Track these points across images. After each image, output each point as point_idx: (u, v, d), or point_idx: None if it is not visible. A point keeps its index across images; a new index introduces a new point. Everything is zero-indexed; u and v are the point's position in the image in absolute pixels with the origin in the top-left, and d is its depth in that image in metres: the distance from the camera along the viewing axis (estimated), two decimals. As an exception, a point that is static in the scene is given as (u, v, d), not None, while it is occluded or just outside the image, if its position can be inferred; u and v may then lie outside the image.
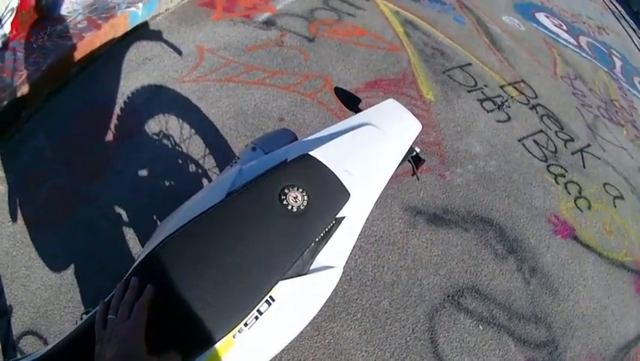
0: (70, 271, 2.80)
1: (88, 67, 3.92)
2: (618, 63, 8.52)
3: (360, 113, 2.09)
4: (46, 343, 2.53)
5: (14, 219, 2.94)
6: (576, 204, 4.59)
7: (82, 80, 3.81)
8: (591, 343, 3.57)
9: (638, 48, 10.13)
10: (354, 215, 1.69)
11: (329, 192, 1.64)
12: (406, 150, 2.10)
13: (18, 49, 3.53)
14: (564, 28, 8.43)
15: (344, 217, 1.63)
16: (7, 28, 3.49)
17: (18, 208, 2.98)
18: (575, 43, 8.08)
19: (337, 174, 1.67)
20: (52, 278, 2.74)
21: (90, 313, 1.36)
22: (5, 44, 3.51)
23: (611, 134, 6.05)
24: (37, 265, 2.77)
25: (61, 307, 2.65)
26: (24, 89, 3.35)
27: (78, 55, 3.82)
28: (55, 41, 3.71)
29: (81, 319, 1.44)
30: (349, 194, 1.65)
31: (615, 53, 8.87)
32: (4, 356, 2.46)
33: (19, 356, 1.91)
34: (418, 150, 2.26)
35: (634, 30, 11.10)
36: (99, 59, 4.02)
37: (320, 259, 1.54)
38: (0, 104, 3.20)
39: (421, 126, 2.21)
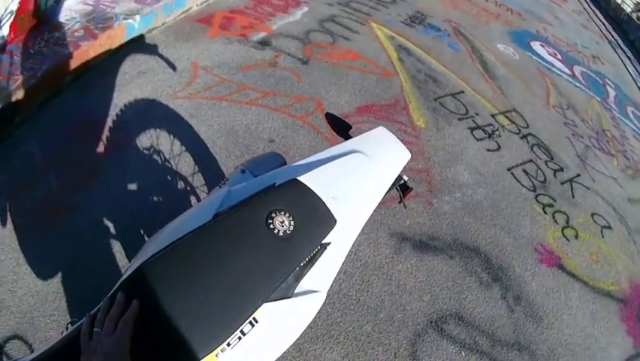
0: (57, 279, 2.81)
1: (82, 76, 3.96)
2: (612, 93, 8.61)
3: (350, 140, 2.13)
4: (31, 349, 2.55)
5: (3, 223, 2.96)
6: (563, 234, 4.64)
7: (76, 90, 3.85)
8: None
9: (632, 77, 10.24)
10: (340, 241, 1.71)
11: (315, 218, 1.66)
12: (394, 178, 2.13)
13: (15, 52, 3.56)
14: (559, 57, 8.52)
15: (329, 243, 1.66)
16: (5, 30, 3.52)
17: (7, 213, 3.00)
18: (569, 72, 8.17)
19: (324, 200, 1.69)
20: (38, 285, 2.75)
21: (76, 325, 1.39)
22: (3, 47, 3.53)
23: (601, 164, 6.12)
24: (24, 271, 2.78)
25: (47, 315, 2.66)
26: (19, 95, 3.37)
27: (73, 64, 3.86)
28: (52, 48, 3.74)
29: (66, 328, 1.48)
30: (335, 220, 1.67)
31: (609, 82, 8.96)
32: None
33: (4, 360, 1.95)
34: (405, 178, 2.29)
35: (629, 59, 11.24)
36: (94, 70, 4.06)
37: (304, 283, 1.57)
38: None
39: (409, 155, 2.25)
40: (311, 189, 1.71)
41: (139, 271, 1.41)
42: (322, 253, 1.64)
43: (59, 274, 2.84)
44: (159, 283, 1.38)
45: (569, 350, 3.68)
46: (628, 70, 10.51)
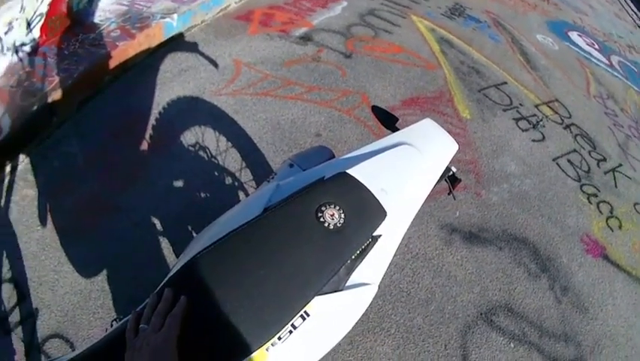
0: (101, 277, 2.78)
1: (121, 76, 3.93)
2: (648, 82, 8.39)
3: (398, 132, 2.07)
4: (72, 347, 2.52)
5: (43, 223, 2.93)
6: (607, 224, 4.51)
7: (116, 89, 3.83)
8: None
9: (668, 67, 9.98)
10: (391, 233, 1.65)
11: (366, 211, 1.61)
12: (443, 169, 2.07)
13: (48, 54, 3.53)
14: (596, 47, 8.32)
15: (380, 235, 1.60)
16: (36, 32, 3.49)
17: (47, 213, 2.97)
18: (607, 62, 7.97)
19: (374, 193, 1.64)
20: (81, 283, 2.73)
21: (121, 322, 1.35)
22: (35, 49, 3.51)
23: (641, 153, 5.91)
24: (66, 270, 2.75)
25: (91, 313, 2.63)
26: (55, 95, 3.34)
27: (112, 63, 3.83)
28: (88, 49, 3.71)
29: (111, 326, 1.43)
30: (386, 213, 1.62)
31: (646, 72, 8.73)
32: (27, 357, 2.44)
33: (43, 359, 1.90)
34: (454, 169, 2.23)
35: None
36: (133, 69, 4.03)
37: (356, 276, 1.52)
38: (29, 109, 3.20)
39: (457, 146, 2.18)
40: (360, 182, 1.66)
41: (188, 267, 1.39)
42: (373, 245, 1.58)
43: (104, 272, 2.81)
44: (208, 277, 1.35)
45: (612, 341, 3.57)
46: (664, 59, 10.28)
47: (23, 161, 3.19)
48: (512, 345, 3.24)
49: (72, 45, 3.69)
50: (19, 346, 2.47)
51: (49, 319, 2.56)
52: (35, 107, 3.22)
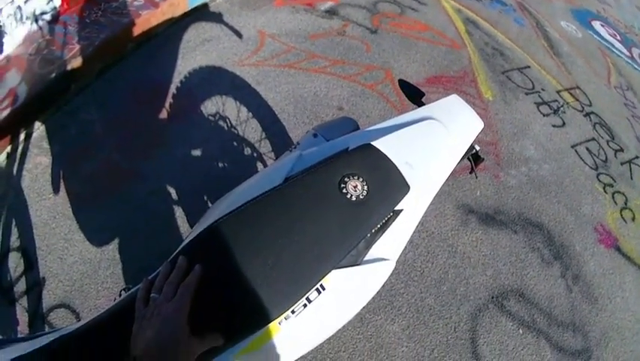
0: (113, 246, 2.74)
1: (144, 44, 3.88)
2: (667, 78, 8.20)
3: (423, 107, 1.96)
4: (78, 317, 2.48)
5: (56, 191, 2.90)
6: (621, 215, 4.38)
7: (137, 57, 3.77)
8: (622, 355, 3.40)
9: (686, 63, 9.78)
10: (413, 209, 1.56)
11: (389, 184, 1.53)
12: (467, 147, 1.97)
13: (69, 23, 3.51)
14: (618, 38, 8.13)
15: (402, 210, 1.51)
16: (57, 1, 3.45)
17: (61, 181, 2.93)
18: (628, 54, 7.78)
19: (398, 166, 1.56)
20: (91, 252, 2.70)
21: (130, 291, 1.30)
22: (55, 18, 3.48)
23: (658, 147, 5.75)
24: (76, 239, 2.72)
25: (99, 282, 2.60)
26: (75, 63, 3.30)
27: (135, 32, 3.79)
28: (110, 17, 3.68)
29: (120, 295, 1.35)
30: (409, 187, 1.53)
31: (665, 66, 8.54)
32: (31, 327, 2.41)
33: (47, 330, 1.82)
34: (478, 148, 2.15)
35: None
36: (156, 38, 3.97)
37: (374, 251, 1.45)
38: (48, 76, 3.15)
39: (483, 124, 2.07)
40: (385, 155, 1.57)
41: (204, 235, 1.34)
42: (394, 220, 1.50)
43: (115, 241, 2.77)
44: (224, 246, 1.30)
45: (619, 334, 3.48)
46: (682, 55, 10.08)
47: (38, 128, 3.16)
48: (521, 331, 3.17)
49: (94, 13, 3.67)
50: (22, 316, 2.44)
51: (55, 288, 2.55)
52: (53, 75, 3.18)
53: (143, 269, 1.29)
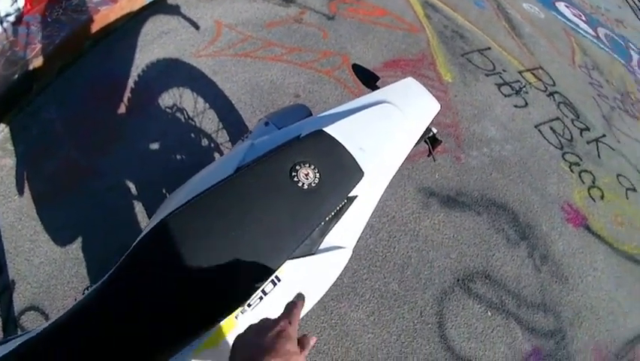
0: (76, 245, 2.75)
1: (102, 40, 3.86)
2: (635, 57, 8.32)
3: (378, 90, 2.00)
4: (47, 318, 2.47)
5: (21, 192, 2.90)
6: (589, 194, 4.46)
7: (96, 54, 3.76)
8: (598, 335, 3.47)
9: (655, 44, 9.93)
10: (367, 195, 1.61)
11: (342, 170, 1.55)
12: (424, 129, 2.02)
13: (32, 23, 3.50)
14: (583, 18, 8.23)
15: (356, 196, 1.55)
16: (21, 2, 3.45)
17: (25, 182, 2.94)
18: (594, 34, 7.89)
19: (351, 152, 1.58)
20: (56, 252, 2.70)
21: (91, 289, 1.30)
22: (19, 19, 3.47)
23: (626, 125, 5.89)
24: (42, 239, 2.73)
25: (65, 282, 2.62)
26: (36, 63, 3.30)
27: (93, 28, 3.78)
28: (70, 15, 3.67)
29: (83, 294, 1.34)
30: (363, 173, 1.57)
31: (632, 46, 8.65)
32: (4, 332, 2.42)
33: (19, 333, 1.83)
34: (435, 130, 2.18)
35: (652, 25, 10.85)
36: (114, 33, 3.96)
37: (330, 239, 1.49)
38: (11, 78, 3.15)
39: (439, 106, 2.13)
40: (337, 140, 1.59)
41: (157, 229, 1.33)
42: (349, 207, 1.53)
43: (78, 239, 2.78)
44: (178, 240, 1.29)
45: (593, 314, 3.55)
46: (650, 36, 10.21)
47: (3, 130, 3.15)
48: (489, 313, 3.21)
49: (56, 12, 3.65)
50: None
51: (25, 291, 2.56)
52: (16, 76, 3.18)
53: (105, 266, 1.30)
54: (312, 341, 1.17)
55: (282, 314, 1.14)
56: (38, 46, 3.34)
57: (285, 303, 1.29)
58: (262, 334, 1.07)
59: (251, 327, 1.11)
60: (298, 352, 1.08)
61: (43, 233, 2.75)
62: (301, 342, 1.13)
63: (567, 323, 3.41)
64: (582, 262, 3.83)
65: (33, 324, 2.44)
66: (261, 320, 1.12)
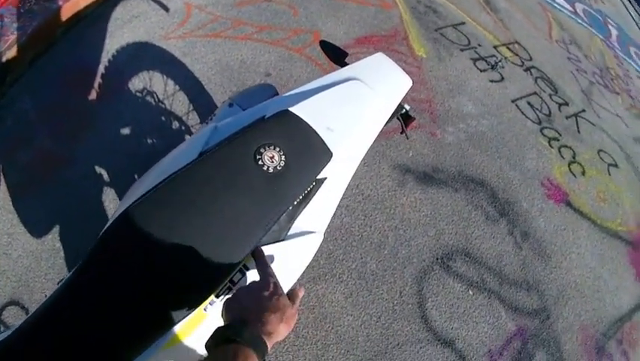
0: (51, 235, 2.76)
1: (73, 28, 3.83)
2: (614, 32, 8.40)
3: (347, 67, 1.98)
4: (27, 313, 2.41)
5: None
6: (570, 169, 4.50)
7: (67, 41, 3.74)
8: (584, 314, 3.51)
9: (633, 19, 10.02)
10: (337, 176, 1.61)
11: (309, 152, 1.54)
12: (395, 106, 2.00)
13: (5, 15, 3.49)
14: (560, -7, 8.28)
15: (325, 178, 1.55)
16: None
17: (0, 174, 2.92)
18: (571, 9, 7.93)
19: (319, 132, 1.57)
20: (33, 244, 2.71)
21: (61, 283, 1.27)
22: None
23: (606, 101, 5.95)
24: (18, 232, 2.74)
25: (42, 275, 2.63)
26: (9, 54, 3.31)
27: (64, 16, 3.76)
28: (43, 4, 3.65)
29: (57, 285, 1.33)
30: (331, 153, 1.55)
31: (611, 22, 8.74)
32: None
33: (1, 330, 1.81)
34: (407, 107, 2.19)
35: (629, 1, 10.95)
36: (85, 19, 3.92)
37: (299, 224, 1.49)
38: None
39: (411, 82, 2.11)
40: (304, 120, 1.58)
41: (121, 219, 1.30)
42: (317, 189, 1.53)
43: (54, 230, 2.79)
44: (142, 230, 1.27)
45: (578, 292, 3.60)
46: (629, 11, 10.28)
47: None
48: (471, 292, 3.24)
49: (29, 2, 3.64)
50: None
51: (5, 286, 2.57)
52: None
53: (80, 256, 1.29)
54: (301, 292, 1.21)
55: (265, 274, 1.17)
56: (11, 37, 3.33)
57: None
58: (254, 294, 1.11)
59: (241, 290, 1.13)
60: (291, 305, 1.12)
61: (19, 226, 2.75)
62: (291, 296, 1.16)
63: (551, 302, 3.44)
64: (565, 239, 3.86)
65: (15, 320, 2.45)
66: (249, 283, 1.16)
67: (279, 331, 1.07)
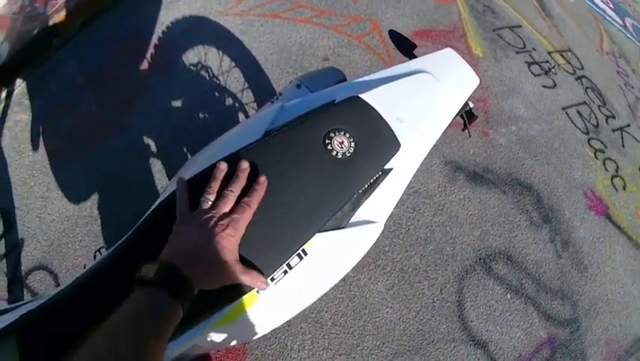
0: (91, 203, 2.74)
1: None
2: (661, 50, 8.24)
3: (416, 59, 1.88)
4: (56, 279, 2.46)
5: (35, 148, 2.89)
6: (612, 182, 4.38)
7: (120, 10, 3.71)
8: (611, 328, 3.42)
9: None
10: (403, 167, 1.52)
11: (378, 140, 1.47)
12: (463, 102, 1.93)
13: None
14: (611, 6, 8.13)
15: (392, 169, 1.47)
16: None
17: (40, 137, 2.93)
18: (621, 22, 7.79)
19: (389, 122, 1.49)
20: (69, 210, 2.70)
21: (106, 253, 1.24)
22: None
23: (650, 117, 5.76)
24: (54, 196, 2.73)
25: (77, 241, 2.59)
26: (57, 18, 3.28)
27: None
28: None
29: (94, 258, 1.26)
30: (400, 144, 1.48)
31: (658, 39, 8.58)
32: (10, 293, 2.41)
33: (25, 295, 1.77)
34: (472, 104, 2.11)
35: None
36: None
37: (361, 213, 1.40)
38: (30, 34, 3.14)
39: (478, 80, 2.02)
40: (374, 109, 1.50)
41: (174, 196, 1.23)
42: (383, 179, 1.45)
43: (93, 197, 2.77)
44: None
45: (608, 306, 3.50)
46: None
47: (20, 85, 3.14)
48: (509, 296, 3.17)
49: None
50: (1, 280, 2.44)
51: (34, 250, 2.56)
52: (36, 31, 3.17)
53: (121, 225, 1.23)
54: (259, 280, 1.14)
55: (235, 209, 1.12)
56: (59, 1, 3.27)
57: (308, 278, 1.30)
58: (202, 231, 1.05)
59: (198, 214, 1.10)
60: (234, 263, 1.05)
61: (56, 190, 2.73)
62: (250, 272, 1.10)
63: (583, 314, 3.36)
64: (602, 252, 3.77)
65: (40, 285, 2.43)
66: (211, 210, 1.10)
67: (207, 280, 1.03)
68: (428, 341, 2.85)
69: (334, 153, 1.34)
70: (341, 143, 1.36)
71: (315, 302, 1.61)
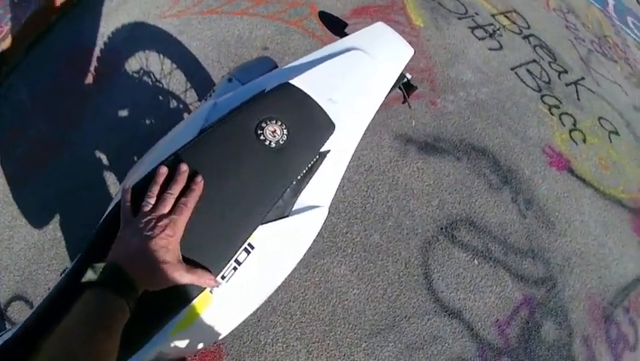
0: (52, 225, 2.76)
1: (68, 12, 3.81)
2: (611, 2, 8.31)
3: (347, 37, 1.91)
4: (32, 307, 2.46)
5: None
6: (571, 136, 4.44)
7: (62, 27, 3.72)
8: (590, 282, 3.49)
9: (630, -11, 9.95)
10: (340, 148, 1.53)
11: (312, 124, 1.49)
12: (397, 75, 1.93)
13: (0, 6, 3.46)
14: (555, -38, 8.20)
15: (329, 151, 1.48)
16: None
17: (0, 166, 2.91)
18: (567, -22, 7.86)
19: (320, 104, 1.51)
20: (34, 236, 2.72)
21: (65, 272, 1.27)
22: None
23: (604, 69, 5.86)
24: (19, 225, 2.75)
25: (45, 266, 2.63)
26: (4, 45, 3.28)
27: (58, 1, 3.71)
28: None
29: (60, 276, 1.28)
30: (334, 125, 1.50)
31: (608, -8, 8.66)
32: None
33: (6, 327, 1.78)
34: (409, 76, 2.12)
35: (627, -29, 10.88)
36: (79, 4, 3.88)
37: (303, 199, 1.43)
38: None
39: (412, 51, 2.04)
40: (305, 93, 1.51)
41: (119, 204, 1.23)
42: (321, 162, 1.47)
43: (55, 219, 2.78)
44: None
45: (583, 260, 3.56)
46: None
47: None
48: (476, 262, 3.21)
49: None
50: None
51: (8, 281, 2.61)
52: None
53: (83, 242, 1.24)
54: (207, 278, 1.16)
55: (174, 210, 1.14)
56: (5, 28, 3.28)
57: (259, 271, 1.32)
58: (142, 233, 1.07)
59: (138, 218, 1.12)
60: (176, 263, 1.07)
61: (20, 218, 2.76)
62: (196, 271, 1.13)
63: (557, 270, 3.41)
64: (568, 207, 3.82)
65: (20, 315, 2.45)
66: (150, 213, 1.12)
67: (150, 279, 1.05)
68: (401, 317, 2.88)
69: (267, 142, 1.35)
70: (273, 132, 1.37)
71: (281, 293, 1.64)
